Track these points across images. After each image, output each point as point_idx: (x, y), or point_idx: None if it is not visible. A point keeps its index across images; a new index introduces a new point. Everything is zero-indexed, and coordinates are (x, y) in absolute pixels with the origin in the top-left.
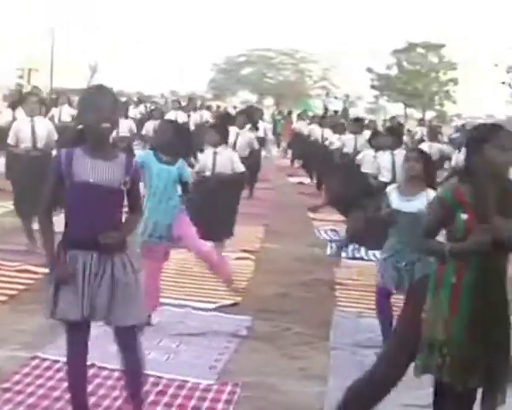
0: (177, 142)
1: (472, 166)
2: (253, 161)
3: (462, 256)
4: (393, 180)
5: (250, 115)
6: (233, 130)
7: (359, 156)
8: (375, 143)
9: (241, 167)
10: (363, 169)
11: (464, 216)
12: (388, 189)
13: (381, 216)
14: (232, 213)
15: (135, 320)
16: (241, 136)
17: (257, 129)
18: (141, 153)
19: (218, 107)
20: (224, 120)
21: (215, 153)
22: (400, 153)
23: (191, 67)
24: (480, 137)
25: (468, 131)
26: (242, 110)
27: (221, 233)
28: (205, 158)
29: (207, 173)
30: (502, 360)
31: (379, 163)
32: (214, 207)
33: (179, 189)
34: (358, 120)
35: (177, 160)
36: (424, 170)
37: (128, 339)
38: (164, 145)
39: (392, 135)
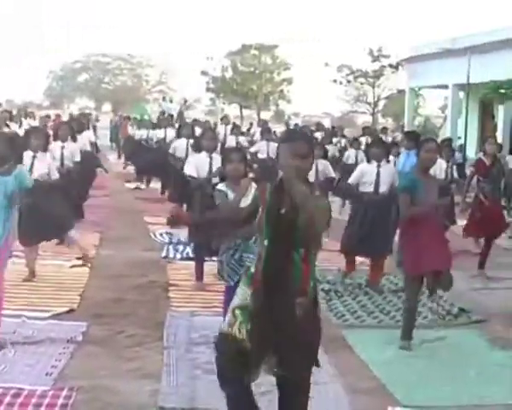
0: (5, 150)
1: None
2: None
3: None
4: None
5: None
6: (57, 144)
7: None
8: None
9: (55, 175)
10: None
11: (259, 211)
12: (220, 186)
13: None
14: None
15: None
16: (65, 149)
17: (75, 141)
18: None
19: (58, 115)
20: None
21: (34, 157)
22: (216, 156)
23: (27, 76)
24: (279, 142)
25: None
26: (65, 122)
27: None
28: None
29: None
30: (294, 350)
31: (196, 164)
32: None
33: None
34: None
35: (14, 168)
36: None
37: None
38: None
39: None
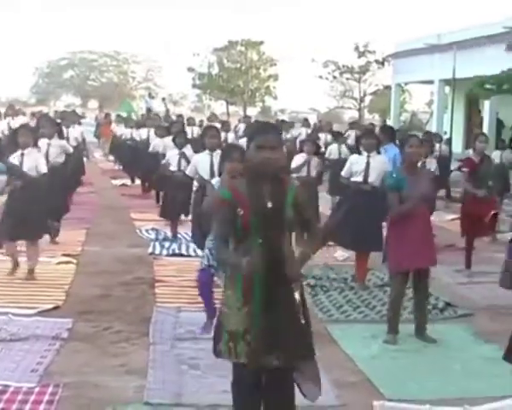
0: None
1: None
2: (74, 165)
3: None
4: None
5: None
6: (44, 141)
7: (167, 156)
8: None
9: (44, 169)
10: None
11: (241, 212)
12: (215, 181)
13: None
14: (40, 213)
15: None
16: (51, 145)
17: (62, 137)
18: None
19: (38, 112)
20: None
21: (22, 154)
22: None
23: (13, 72)
24: (248, 136)
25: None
26: (51, 120)
27: (31, 233)
28: (14, 160)
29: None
30: (298, 342)
31: (195, 164)
32: (22, 208)
33: None
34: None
35: None
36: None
37: None
38: None
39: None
